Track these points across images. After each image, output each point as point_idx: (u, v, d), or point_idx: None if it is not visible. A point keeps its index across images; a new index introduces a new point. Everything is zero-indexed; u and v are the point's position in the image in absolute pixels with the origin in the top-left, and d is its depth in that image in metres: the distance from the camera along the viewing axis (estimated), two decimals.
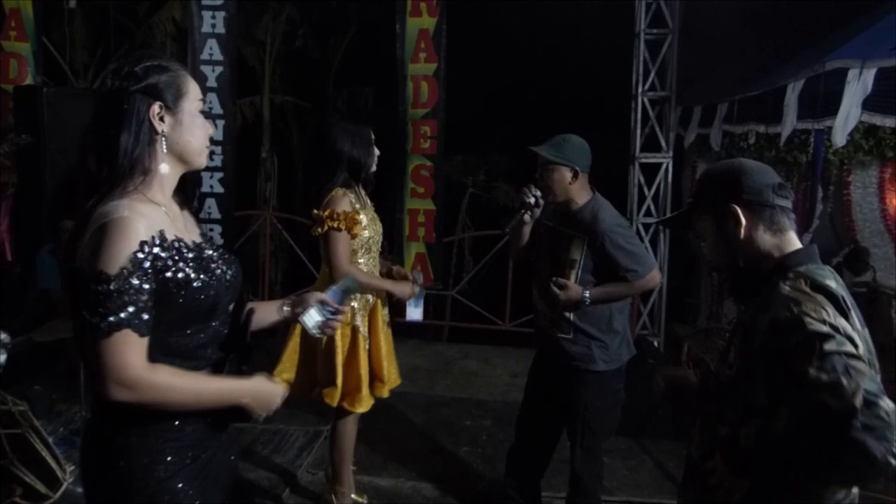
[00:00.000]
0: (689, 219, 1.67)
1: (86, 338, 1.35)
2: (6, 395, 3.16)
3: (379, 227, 3.13)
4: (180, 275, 1.42)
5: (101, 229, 1.35)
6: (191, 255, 1.47)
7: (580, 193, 2.87)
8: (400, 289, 3.14)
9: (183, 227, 1.54)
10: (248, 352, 1.62)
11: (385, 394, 3.19)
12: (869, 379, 1.24)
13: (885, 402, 1.22)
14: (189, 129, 1.51)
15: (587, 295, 2.76)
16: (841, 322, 1.33)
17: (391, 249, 6.18)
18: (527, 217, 2.89)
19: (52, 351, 4.76)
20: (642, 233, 6.71)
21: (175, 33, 8.36)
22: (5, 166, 6.68)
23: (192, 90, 1.53)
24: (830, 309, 1.34)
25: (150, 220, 1.41)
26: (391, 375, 3.21)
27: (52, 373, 4.77)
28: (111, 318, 1.32)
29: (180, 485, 1.48)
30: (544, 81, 9.38)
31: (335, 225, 2.87)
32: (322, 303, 1.81)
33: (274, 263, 8.33)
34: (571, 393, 2.92)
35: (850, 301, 1.41)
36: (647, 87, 6.48)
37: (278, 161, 9.49)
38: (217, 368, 1.55)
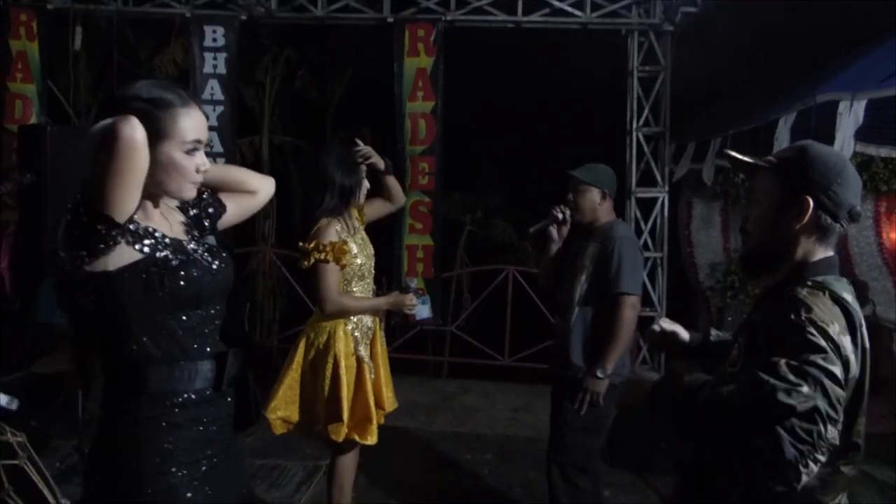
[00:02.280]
0: (755, 176, 1.58)
1: None
2: (5, 426, 3.14)
3: (370, 251, 3.10)
4: (159, 255, 1.50)
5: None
6: (167, 241, 1.55)
7: (606, 215, 3.10)
8: (393, 302, 3.10)
9: (167, 230, 1.60)
10: (249, 346, 1.69)
11: (382, 420, 3.13)
12: (829, 404, 1.27)
13: (829, 430, 1.27)
14: (164, 171, 1.51)
15: (601, 374, 2.89)
16: (844, 341, 1.34)
17: (389, 285, 6.19)
18: (554, 234, 3.15)
19: (51, 386, 4.74)
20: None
21: (177, 74, 8.50)
22: (6, 204, 6.73)
23: (180, 132, 1.51)
24: (839, 324, 1.35)
25: None
26: (389, 400, 3.17)
27: (50, 409, 4.74)
28: None
29: (188, 490, 1.50)
30: (540, 118, 9.50)
31: (321, 257, 2.84)
32: None
33: (272, 301, 8.33)
34: (560, 402, 3.02)
35: (861, 318, 1.42)
36: (641, 122, 6.58)
37: (277, 200, 9.55)
38: (220, 361, 1.58)
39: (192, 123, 1.54)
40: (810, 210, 1.45)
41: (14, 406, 3.81)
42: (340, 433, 2.91)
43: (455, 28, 6.54)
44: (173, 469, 1.49)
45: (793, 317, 1.35)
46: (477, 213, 10.05)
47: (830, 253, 1.50)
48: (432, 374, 7.47)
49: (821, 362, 1.29)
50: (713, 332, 1.91)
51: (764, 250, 1.54)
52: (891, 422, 4.70)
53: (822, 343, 1.31)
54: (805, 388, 1.26)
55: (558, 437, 3.04)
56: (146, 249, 1.48)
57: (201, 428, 1.55)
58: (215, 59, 6.67)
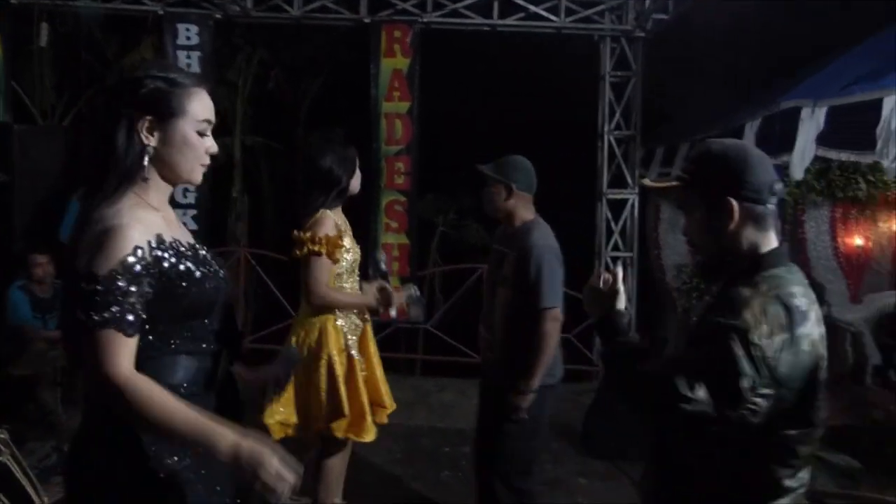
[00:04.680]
0: (679, 193, 1.65)
1: (80, 334, 1.41)
2: None
3: (357, 248, 3.12)
4: (182, 267, 1.50)
5: (99, 234, 1.42)
6: (189, 253, 1.55)
7: (519, 213, 2.93)
8: (381, 299, 3.01)
9: (179, 231, 1.61)
10: (239, 346, 1.70)
11: (385, 419, 3.13)
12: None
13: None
14: (178, 149, 1.53)
15: (524, 388, 2.79)
16: (772, 342, 1.40)
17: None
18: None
19: (24, 389, 4.67)
20: (611, 267, 6.86)
21: None
22: None
23: (194, 110, 1.53)
24: (775, 324, 1.41)
25: (146, 224, 1.47)
26: (388, 400, 3.17)
27: (22, 413, 4.68)
28: (96, 317, 1.38)
29: (188, 473, 1.52)
30: (514, 121, 9.62)
31: (316, 249, 2.84)
32: None
33: (245, 301, 8.29)
34: (493, 413, 2.94)
35: (806, 306, 1.47)
36: (612, 126, 6.74)
37: (249, 201, 9.53)
38: (213, 360, 1.60)
39: (203, 104, 1.56)
40: (736, 209, 1.50)
41: None
42: (343, 428, 2.93)
43: (431, 30, 6.63)
44: (168, 454, 1.50)
45: (730, 320, 1.41)
46: (450, 215, 10.15)
47: (775, 242, 1.56)
48: (405, 372, 7.51)
49: (745, 384, 1.37)
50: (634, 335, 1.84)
51: (714, 256, 1.59)
52: (845, 415, 4.90)
53: (741, 354, 1.38)
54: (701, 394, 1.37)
55: (496, 447, 2.93)
56: (173, 260, 1.49)
57: None
58: (189, 57, 6.64)
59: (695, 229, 1.61)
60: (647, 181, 1.67)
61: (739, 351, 1.38)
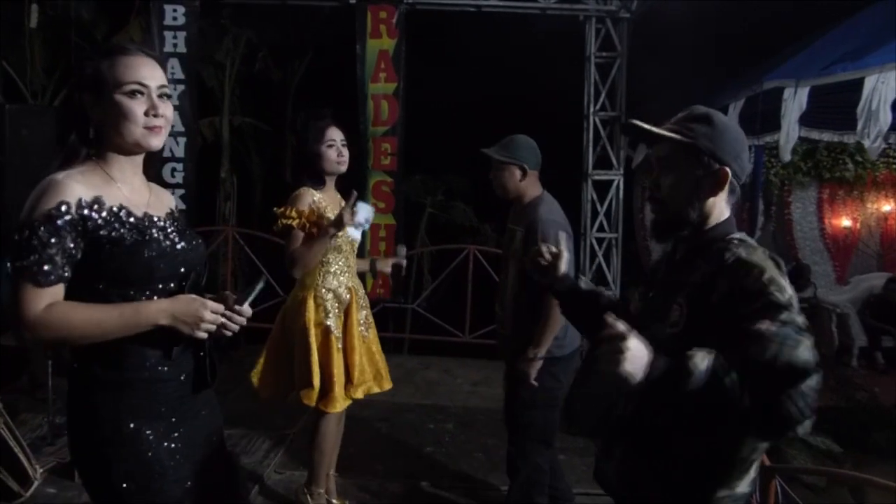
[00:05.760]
0: (664, 144, 1.62)
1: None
2: None
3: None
4: (113, 234, 1.54)
5: (35, 190, 1.50)
6: (131, 220, 1.58)
7: (530, 191, 3.02)
8: (337, 218, 2.86)
9: (143, 203, 1.65)
10: None
11: (359, 395, 3.16)
12: (805, 348, 1.38)
13: (810, 381, 1.35)
14: (114, 117, 1.56)
15: (531, 355, 2.88)
16: (794, 296, 1.44)
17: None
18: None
19: (16, 362, 4.74)
20: (595, 248, 6.95)
21: None
22: None
23: (118, 76, 1.56)
24: (784, 278, 1.46)
25: (88, 186, 1.53)
26: (381, 375, 3.27)
27: (14, 386, 4.75)
28: (16, 263, 1.46)
29: (150, 437, 1.60)
30: (500, 102, 9.65)
31: (287, 222, 2.91)
32: None
33: (233, 284, 8.32)
34: (510, 386, 3.06)
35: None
36: (598, 107, 6.77)
37: (237, 181, 9.55)
38: (172, 333, 1.61)
39: (135, 68, 1.57)
40: (730, 178, 1.58)
41: None
42: (312, 398, 3.00)
43: (417, 11, 6.63)
44: (133, 423, 1.58)
45: (752, 281, 1.44)
46: (437, 196, 10.19)
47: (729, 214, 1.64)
48: (393, 351, 7.59)
49: (786, 317, 1.39)
50: (584, 280, 2.03)
51: (681, 218, 1.61)
52: (827, 395, 4.98)
53: (784, 300, 1.41)
54: (785, 349, 1.36)
55: (513, 416, 3.07)
56: (100, 223, 1.53)
57: (155, 388, 1.62)
58: (175, 37, 6.63)
59: (672, 187, 1.61)
60: (636, 121, 1.60)
61: (799, 318, 1.41)
